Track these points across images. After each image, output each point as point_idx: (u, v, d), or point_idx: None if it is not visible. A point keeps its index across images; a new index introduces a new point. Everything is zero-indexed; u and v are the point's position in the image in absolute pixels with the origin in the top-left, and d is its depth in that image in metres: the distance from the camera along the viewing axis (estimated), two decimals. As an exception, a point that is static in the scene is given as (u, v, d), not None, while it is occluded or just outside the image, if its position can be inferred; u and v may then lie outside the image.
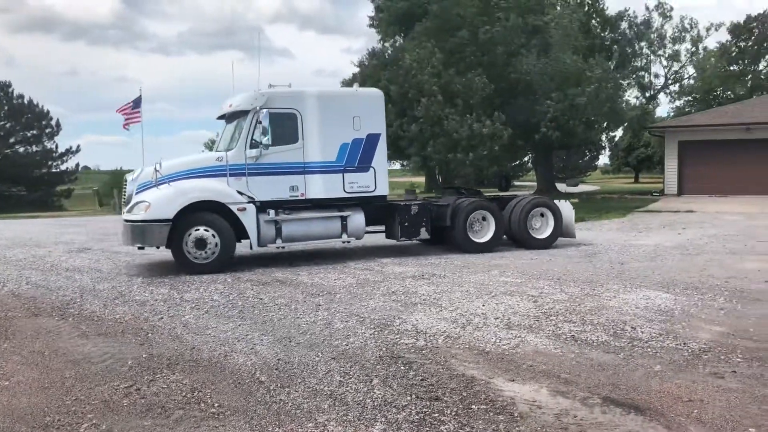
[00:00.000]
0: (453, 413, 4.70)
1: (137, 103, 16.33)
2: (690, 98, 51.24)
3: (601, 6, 36.43)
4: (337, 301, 8.54)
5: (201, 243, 11.09)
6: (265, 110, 11.44)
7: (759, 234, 15.31)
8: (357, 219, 12.43)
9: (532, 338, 6.55)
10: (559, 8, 27.83)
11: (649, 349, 6.12)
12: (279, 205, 11.86)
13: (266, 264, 12.02)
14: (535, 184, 41.55)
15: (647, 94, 46.02)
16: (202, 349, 6.42)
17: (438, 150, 19.70)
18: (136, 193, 11.32)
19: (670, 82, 51.73)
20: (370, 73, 21.47)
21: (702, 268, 10.68)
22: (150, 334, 7.03)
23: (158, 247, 11.36)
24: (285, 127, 11.77)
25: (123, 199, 12.04)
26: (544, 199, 14.47)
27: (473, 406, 4.81)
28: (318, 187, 12.13)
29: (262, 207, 11.68)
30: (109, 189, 38.11)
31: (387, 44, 26.83)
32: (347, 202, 12.46)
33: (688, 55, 45.45)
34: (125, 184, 12.01)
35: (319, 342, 6.59)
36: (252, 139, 11.59)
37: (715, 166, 28.47)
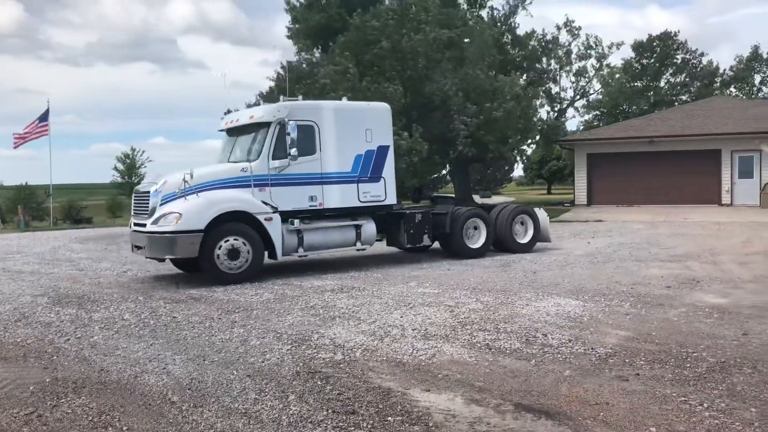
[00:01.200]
0: (369, 426, 4.70)
1: (44, 116, 15.65)
2: (597, 113, 53.65)
3: (513, 24, 37.72)
4: (254, 317, 8.40)
5: (234, 253, 11.22)
6: (293, 122, 11.84)
7: (661, 242, 16.11)
8: (370, 227, 13.02)
9: (448, 348, 6.63)
10: (471, 22, 28.56)
11: (559, 355, 6.31)
12: (298, 215, 12.16)
13: (181, 282, 11.70)
14: (453, 195, 42.30)
15: (557, 109, 47.83)
16: (110, 371, 6.17)
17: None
18: (161, 205, 11.26)
19: (577, 97, 53.97)
20: (285, 87, 21.32)
21: (609, 275, 11.13)
22: (55, 357, 6.70)
23: (162, 260, 11.71)
24: (304, 138, 12.10)
25: (133, 212, 12.14)
26: (525, 207, 15.43)
27: (389, 418, 4.82)
28: (335, 196, 12.57)
29: (284, 217, 11.92)
30: (13, 205, 36.15)
31: (303, 57, 26.79)
32: (360, 212, 13.01)
33: (594, 71, 47.56)
34: (135, 197, 12.06)
35: (234, 359, 6.45)
36: (275, 150, 11.88)
37: (622, 178, 29.84)
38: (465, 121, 22.11)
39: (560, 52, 40.57)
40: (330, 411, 4.99)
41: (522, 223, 14.85)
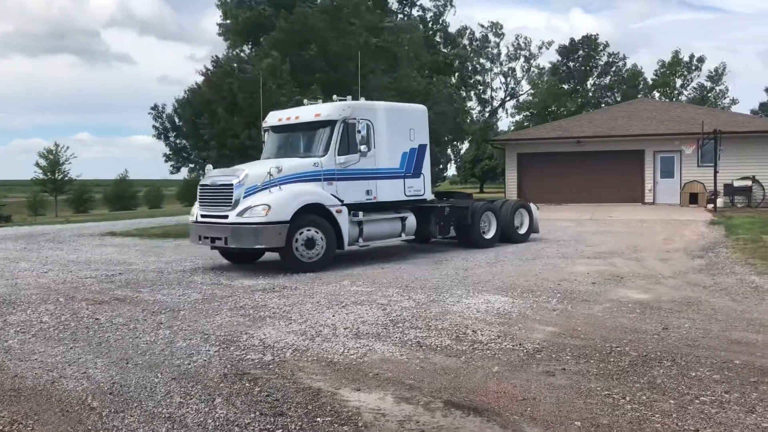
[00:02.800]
0: (297, 428, 4.62)
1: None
2: (528, 113, 54.91)
3: (444, 23, 38.10)
4: (181, 318, 8.17)
5: (310, 243, 11.98)
6: (363, 120, 12.92)
7: (587, 239, 16.58)
8: (411, 220, 14.09)
9: (379, 346, 6.61)
10: (401, 17, 28.57)
11: (488, 351, 6.38)
12: (356, 208, 12.93)
13: (106, 282, 11.29)
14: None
15: (488, 110, 48.67)
16: (26, 377, 5.88)
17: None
18: (245, 197, 11.81)
19: (507, 98, 55.11)
20: (215, 81, 20.83)
21: (537, 272, 11.36)
22: (-36, 364, 6.33)
23: (242, 250, 12.33)
24: (352, 137, 12.91)
25: (200, 204, 12.61)
26: (523, 201, 17.00)
27: (318, 419, 4.75)
28: (387, 190, 13.62)
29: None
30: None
31: (233, 53, 26.28)
32: (402, 205, 14.06)
33: (524, 73, 48.67)
34: (206, 189, 12.49)
35: (159, 362, 6.25)
36: (340, 146, 12.75)
37: (551, 177, 30.59)
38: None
39: (492, 51, 41.29)
40: (258, 413, 4.89)
41: (520, 216, 16.29)
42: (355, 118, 12.86)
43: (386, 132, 13.46)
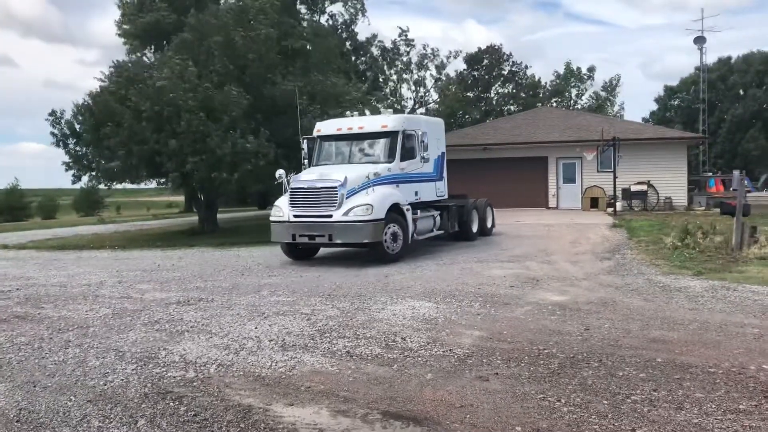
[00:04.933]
0: (232, 449, 4.35)
1: None
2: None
3: (353, 31, 38.19)
4: (91, 335, 7.65)
5: (394, 237, 13.75)
6: (418, 131, 14.90)
7: (500, 243, 16.89)
8: (438, 217, 16.07)
9: (308, 358, 6.40)
10: (309, 18, 28.29)
11: (419, 358, 6.30)
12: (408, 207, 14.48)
13: (3, 300, 10.46)
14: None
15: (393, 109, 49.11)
16: None
17: (198, 167, 18.85)
18: (347, 197, 13.33)
19: (417, 106, 55.84)
20: (114, 88, 19.88)
21: (456, 276, 11.45)
22: None
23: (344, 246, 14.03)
24: (410, 145, 14.86)
25: (293, 204, 13.92)
26: (489, 200, 19.47)
27: (253, 438, 4.50)
28: (426, 192, 15.63)
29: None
30: None
31: (135, 56, 25.20)
32: (432, 204, 16.01)
33: (433, 81, 49.40)
34: (303, 191, 13.78)
35: (71, 384, 5.78)
36: (401, 153, 14.61)
37: (459, 183, 30.91)
38: (312, 125, 21.97)
39: (401, 60, 41.69)
40: (187, 435, 4.58)
41: (490, 213, 19.09)
42: (413, 130, 14.88)
43: (425, 141, 15.05)
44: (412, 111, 48.16)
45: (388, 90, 45.93)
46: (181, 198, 48.11)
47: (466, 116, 56.64)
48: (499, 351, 6.50)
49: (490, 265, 12.89)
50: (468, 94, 58.85)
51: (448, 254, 14.80)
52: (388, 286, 10.60)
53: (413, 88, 46.91)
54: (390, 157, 14.53)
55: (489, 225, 18.93)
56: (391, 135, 14.71)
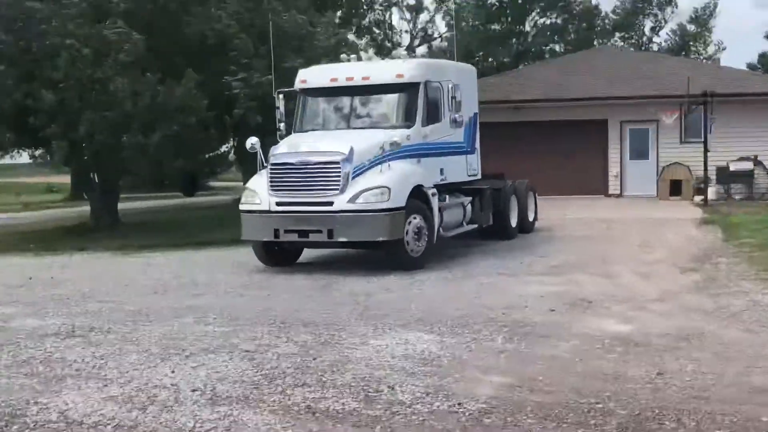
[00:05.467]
0: None
1: None
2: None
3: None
4: (-73, 382, 7.63)
5: (418, 233, 13.96)
6: (452, 83, 15.12)
7: (534, 246, 16.99)
8: (470, 205, 16.48)
9: (250, 416, 6.44)
10: None
11: (414, 417, 6.34)
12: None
13: None
14: (241, 184, 41.80)
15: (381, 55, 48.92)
16: None
17: (99, 128, 18.60)
18: (354, 176, 13.54)
19: (416, 43, 55.73)
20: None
21: (472, 295, 11.51)
22: None
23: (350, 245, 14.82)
24: (434, 103, 15.17)
25: (275, 187, 14.17)
26: (530, 182, 19.94)
27: None
28: (454, 169, 16.01)
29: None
30: None
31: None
32: (459, 187, 16.38)
33: (435, 5, 49.03)
34: (287, 168, 14.12)
35: None
36: (424, 115, 14.91)
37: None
38: (251, 78, 21.87)
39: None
40: None
41: (532, 200, 19.69)
42: (439, 81, 15.12)
43: (452, 98, 15.31)
44: (410, 50, 48.17)
45: (369, 20, 45.68)
46: (66, 179, 47.93)
47: (489, 59, 56.66)
48: (532, 405, 6.54)
49: (521, 278, 12.95)
50: (493, 26, 58.88)
51: (461, 261, 14.86)
52: (369, 309, 10.64)
53: (408, 16, 46.84)
54: (407, 119, 14.93)
55: (531, 217, 19.51)
56: (408, 88, 15.03)
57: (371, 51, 45.18)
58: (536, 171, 30.17)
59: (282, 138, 15.76)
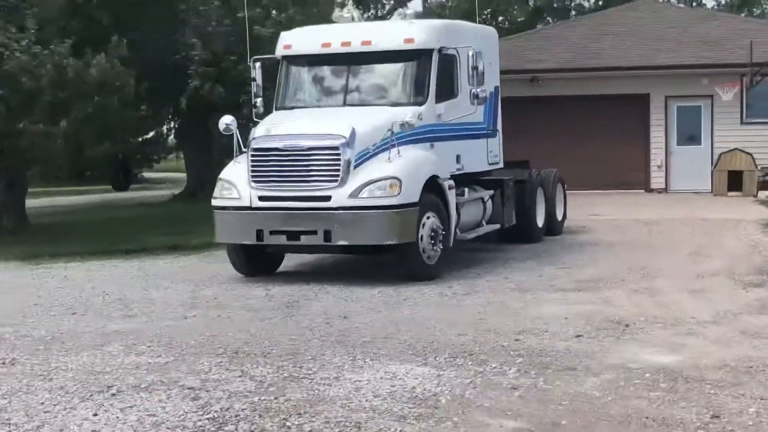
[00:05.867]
0: None
1: None
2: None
3: None
4: None
5: (434, 235, 14.42)
6: (472, 50, 15.23)
7: (555, 254, 17.03)
8: (490, 201, 17.04)
9: (192, 471, 6.40)
10: None
11: (403, 473, 6.32)
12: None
13: None
14: (183, 175, 41.75)
15: (370, 16, 49.05)
16: None
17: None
18: (356, 165, 13.89)
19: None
20: None
21: (476, 316, 11.51)
22: None
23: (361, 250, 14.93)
24: (446, 74, 15.59)
25: (256, 178, 14.45)
26: (558, 172, 20.90)
27: None
28: (472, 156, 16.64)
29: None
30: None
31: None
32: (477, 178, 17.02)
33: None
34: (270, 155, 14.48)
35: None
36: (437, 89, 15.34)
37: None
38: (206, 34, 21.69)
39: None
40: None
41: (561, 194, 20.60)
42: (455, 47, 15.56)
43: (471, 69, 15.51)
44: (399, 4, 48.26)
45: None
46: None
47: (499, 18, 56.75)
48: (553, 458, 6.53)
49: (540, 295, 12.98)
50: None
51: (462, 272, 14.87)
52: (348, 334, 10.64)
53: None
54: (418, 94, 15.35)
55: (559, 216, 20.32)
56: (419, 56, 15.48)
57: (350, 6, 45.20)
58: (557, 160, 30.15)
59: (259, 117, 15.92)
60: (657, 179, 30.46)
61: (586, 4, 59.14)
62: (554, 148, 30.13)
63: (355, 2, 47.13)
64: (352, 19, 17.21)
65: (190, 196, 33.72)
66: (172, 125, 38.85)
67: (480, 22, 53.73)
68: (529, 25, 50.38)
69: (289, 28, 17.92)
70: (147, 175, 56.22)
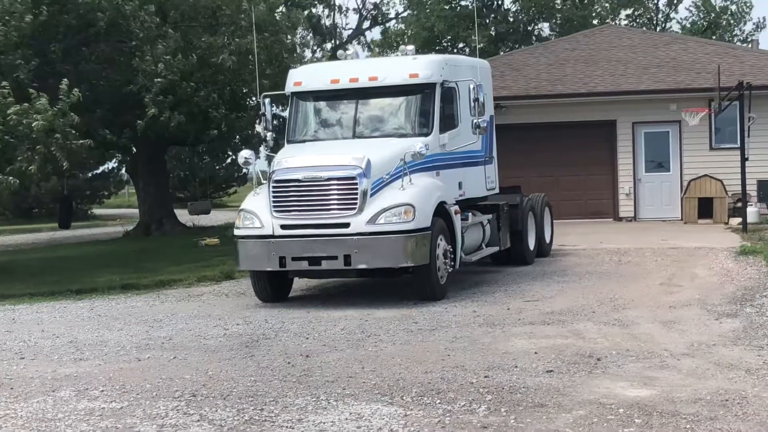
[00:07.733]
0: None
1: None
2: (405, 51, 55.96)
3: None
4: None
5: (446, 257, 15.80)
6: (473, 82, 16.67)
7: (522, 285, 17.06)
8: (488, 225, 18.50)
9: None
10: None
11: None
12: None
13: None
14: (135, 211, 41.53)
15: (331, 46, 49.19)
16: None
17: None
18: (372, 193, 15.16)
19: (366, 23, 56.12)
20: None
21: (443, 352, 11.50)
22: None
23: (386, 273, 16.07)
24: (449, 106, 17.05)
25: (278, 207, 15.56)
26: (545, 196, 22.51)
27: None
28: (473, 182, 18.11)
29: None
30: None
31: None
32: (475, 203, 18.42)
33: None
34: (291, 186, 15.55)
35: None
36: (441, 120, 16.76)
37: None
38: (158, 68, 21.71)
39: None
40: None
41: (548, 218, 22.15)
42: (455, 81, 16.95)
43: (470, 99, 16.78)
44: (358, 34, 48.57)
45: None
46: None
47: (459, 45, 57.01)
48: (526, 498, 6.51)
49: (507, 329, 13.01)
50: (463, 2, 59.24)
51: (426, 305, 14.82)
52: (310, 374, 10.61)
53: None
54: (423, 126, 16.77)
55: (548, 238, 22.04)
56: (423, 90, 16.87)
57: (303, 31, 45.37)
58: (527, 187, 30.31)
59: (272, 151, 17.15)
60: (626, 207, 30.59)
61: (547, 31, 59.47)
62: (519, 176, 30.04)
63: (312, 32, 47.40)
64: (356, 56, 19.08)
65: (143, 232, 33.57)
66: (124, 158, 38.55)
67: (441, 50, 54.17)
68: (491, 52, 50.55)
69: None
70: (98, 211, 56.05)
